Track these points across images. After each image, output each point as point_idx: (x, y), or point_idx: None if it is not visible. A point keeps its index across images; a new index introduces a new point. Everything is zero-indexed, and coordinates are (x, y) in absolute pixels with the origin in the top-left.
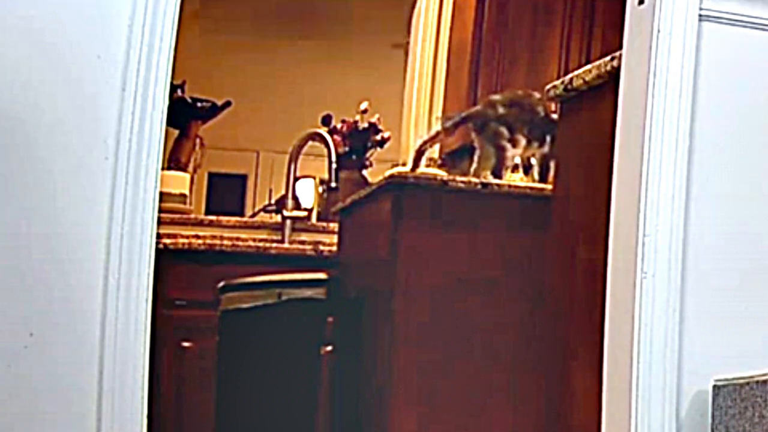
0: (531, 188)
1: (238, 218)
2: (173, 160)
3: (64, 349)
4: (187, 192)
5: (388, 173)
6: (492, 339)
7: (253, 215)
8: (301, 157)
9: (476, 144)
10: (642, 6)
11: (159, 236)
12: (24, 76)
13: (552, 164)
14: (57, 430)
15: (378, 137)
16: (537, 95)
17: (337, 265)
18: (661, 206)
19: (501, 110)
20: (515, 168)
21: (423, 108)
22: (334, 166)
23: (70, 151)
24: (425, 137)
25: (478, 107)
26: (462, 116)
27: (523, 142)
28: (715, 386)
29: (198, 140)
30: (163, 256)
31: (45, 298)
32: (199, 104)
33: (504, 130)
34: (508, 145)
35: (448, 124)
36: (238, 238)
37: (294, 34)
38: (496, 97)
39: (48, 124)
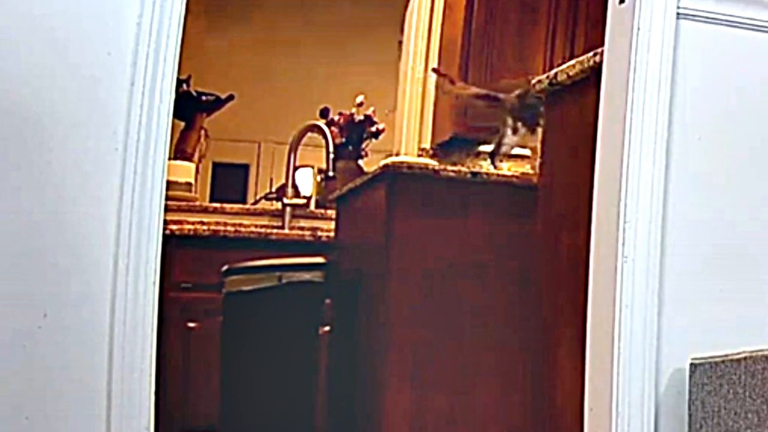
0: (518, 177)
1: (240, 205)
2: (179, 151)
3: (76, 329)
4: (192, 181)
5: (382, 163)
6: (481, 320)
7: (255, 203)
8: (300, 147)
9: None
10: (622, 5)
11: (166, 222)
12: (39, 72)
13: None
14: (69, 405)
15: (373, 129)
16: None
17: (335, 249)
18: (640, 194)
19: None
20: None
21: (415, 102)
22: (331, 156)
23: (82, 143)
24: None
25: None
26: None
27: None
28: (691, 364)
29: (203, 132)
30: (170, 241)
31: (58, 281)
32: (203, 98)
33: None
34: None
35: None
36: (240, 225)
37: (294, 32)
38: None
39: (61, 117)
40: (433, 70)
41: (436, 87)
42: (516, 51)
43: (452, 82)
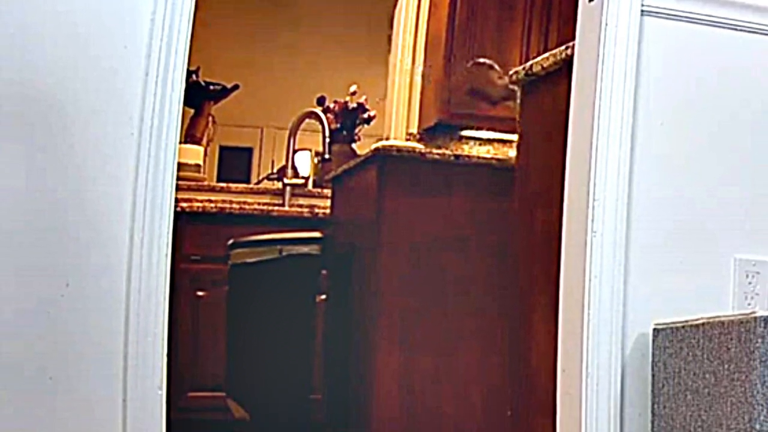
0: (497, 159)
1: (244, 185)
2: (189, 135)
3: (95, 297)
4: (201, 163)
5: (373, 146)
6: (463, 289)
7: (258, 182)
8: (299, 132)
9: None
10: (591, 3)
11: (177, 200)
12: (62, 64)
13: None
14: (89, 367)
15: (365, 115)
16: None
17: (330, 225)
18: (608, 175)
19: None
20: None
21: (404, 91)
22: (327, 140)
23: (101, 128)
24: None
25: None
26: None
27: None
28: (654, 329)
29: (210, 118)
30: (181, 217)
31: (79, 253)
32: (211, 87)
33: None
34: None
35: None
36: (244, 202)
37: (293, 28)
38: None
39: (82, 104)
40: None
41: (423, 78)
42: (495, 45)
43: None
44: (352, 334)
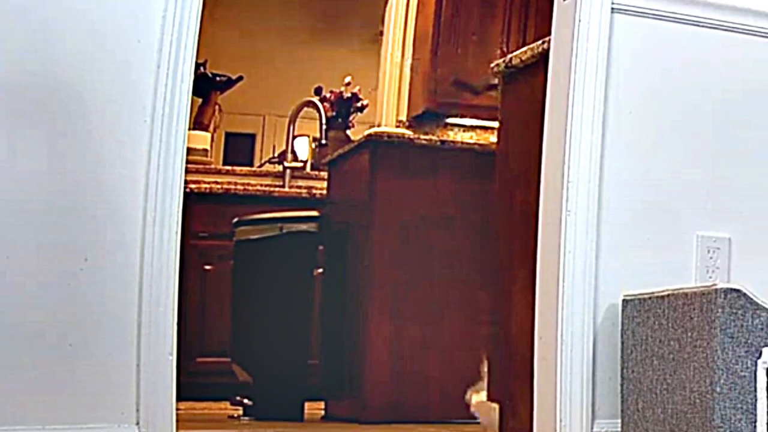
0: (479, 145)
1: (248, 168)
2: (197, 122)
3: (111, 271)
4: (208, 147)
5: (366, 133)
6: (448, 263)
7: (260, 166)
8: (298, 119)
9: None
10: (566, 2)
11: (186, 182)
12: (81, 57)
13: None
14: (105, 335)
15: (359, 104)
16: None
17: (327, 204)
18: (581, 159)
19: None
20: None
21: (394, 82)
22: (324, 127)
23: (117, 116)
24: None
25: None
26: None
27: None
28: (623, 300)
29: (217, 106)
30: (190, 197)
31: (97, 230)
32: (217, 78)
33: None
34: None
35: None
36: (248, 184)
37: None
38: None
39: (100, 94)
40: None
41: (411, 70)
42: (478, 40)
43: None
44: (346, 305)
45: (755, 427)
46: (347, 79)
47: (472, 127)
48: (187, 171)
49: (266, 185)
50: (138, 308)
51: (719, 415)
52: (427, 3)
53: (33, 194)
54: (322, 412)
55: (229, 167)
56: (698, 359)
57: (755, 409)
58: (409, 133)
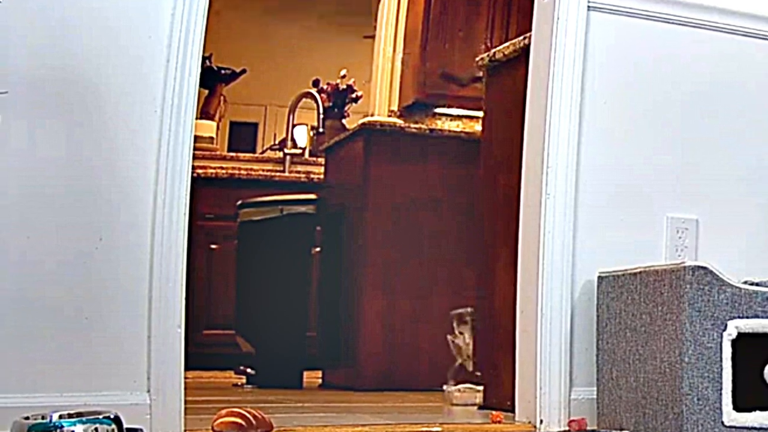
0: (465, 133)
1: (251, 154)
2: (204, 112)
3: (124, 249)
4: (214, 135)
5: (360, 122)
6: (436, 242)
7: (263, 152)
8: (297, 109)
9: None
10: (545, 0)
11: (193, 168)
12: (96, 52)
13: None
14: (119, 309)
15: (353, 95)
16: None
17: (324, 188)
18: (559, 145)
19: None
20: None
21: (386, 75)
22: (321, 116)
23: (129, 106)
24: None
25: None
26: None
27: None
28: (599, 277)
29: (222, 97)
30: (197, 182)
31: (111, 212)
32: (222, 71)
33: None
34: None
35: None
36: (251, 169)
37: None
38: None
39: (113, 87)
40: None
41: (402, 63)
42: (463, 36)
43: None
44: (342, 281)
45: (721, 394)
46: (343, 72)
47: (459, 117)
48: (195, 157)
49: (268, 170)
50: (149, 284)
51: (687, 384)
52: (417, 1)
53: (52, 179)
54: (320, 381)
55: (233, 154)
56: (668, 331)
57: (721, 377)
58: (400, 122)
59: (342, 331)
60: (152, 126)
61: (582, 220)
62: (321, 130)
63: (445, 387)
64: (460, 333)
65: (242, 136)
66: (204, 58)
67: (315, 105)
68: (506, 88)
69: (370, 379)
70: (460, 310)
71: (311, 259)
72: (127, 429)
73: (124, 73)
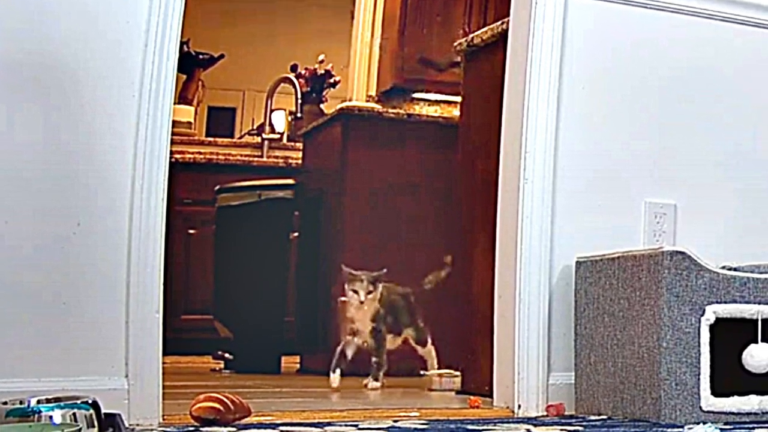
0: (443, 118)
1: (229, 139)
2: (182, 97)
3: (102, 234)
4: (192, 120)
5: (338, 106)
6: (414, 227)
7: (241, 137)
8: (275, 94)
9: None
10: None
11: (171, 153)
12: (75, 36)
13: None
14: (97, 294)
15: (331, 80)
16: None
17: (302, 173)
18: (537, 131)
19: None
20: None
21: (364, 61)
22: (299, 101)
23: (107, 91)
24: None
25: None
26: None
27: None
28: (577, 262)
29: (200, 82)
30: (175, 166)
31: (88, 197)
32: (200, 56)
33: None
34: None
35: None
36: (229, 154)
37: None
38: None
39: (91, 71)
40: None
41: (380, 48)
42: (441, 21)
43: None
44: (320, 266)
45: (699, 379)
46: (321, 57)
47: (437, 102)
48: (173, 142)
49: (246, 155)
50: (127, 269)
51: (665, 368)
52: None
53: (29, 163)
54: (298, 366)
55: (211, 139)
56: (646, 317)
57: (699, 362)
58: (378, 107)
59: (320, 316)
60: (130, 110)
61: (560, 205)
62: (299, 115)
63: (423, 372)
64: (353, 292)
65: (220, 121)
66: (182, 43)
67: (293, 90)
68: (484, 73)
69: (348, 364)
70: (355, 272)
71: (289, 244)
72: (105, 414)
73: (102, 58)
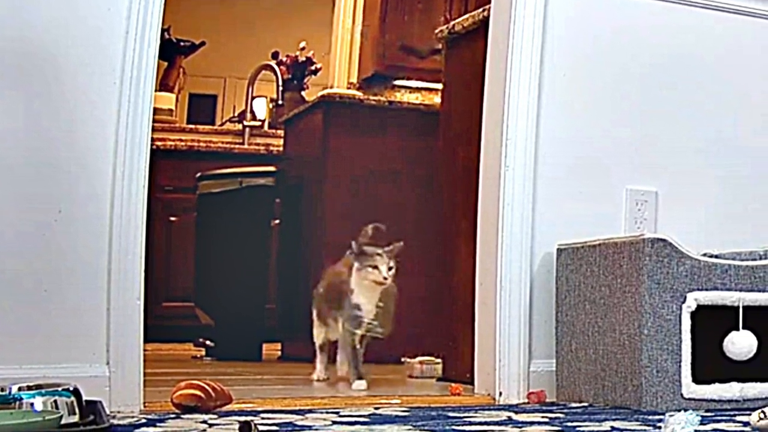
0: (424, 105)
1: (210, 127)
2: (163, 85)
3: (83, 221)
4: (173, 107)
5: (320, 94)
6: (396, 215)
7: (222, 124)
8: (256, 82)
9: None
10: None
11: (153, 140)
12: (56, 23)
13: None
14: (78, 281)
15: (313, 68)
16: None
17: (283, 160)
18: (519, 118)
19: None
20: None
21: (345, 48)
22: (280, 88)
23: (89, 78)
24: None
25: None
26: None
27: None
28: (558, 249)
29: (181, 69)
30: (156, 154)
31: (70, 184)
32: (181, 43)
33: None
34: None
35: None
36: (210, 141)
37: None
38: None
39: (73, 58)
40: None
41: (361, 36)
42: (423, 8)
43: None
44: (301, 253)
45: (680, 366)
46: (302, 44)
47: (418, 89)
48: (154, 129)
49: (227, 143)
50: (108, 256)
51: (647, 356)
52: None
53: (10, 150)
54: (279, 353)
55: (192, 126)
56: (627, 304)
57: (680, 349)
58: (359, 94)
59: (301, 304)
60: (111, 97)
61: (541, 192)
62: (280, 102)
63: (403, 359)
64: (373, 268)
65: (201, 109)
66: (163, 30)
67: (274, 77)
68: (465, 61)
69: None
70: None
71: (270, 232)
72: (86, 401)
73: (83, 45)
